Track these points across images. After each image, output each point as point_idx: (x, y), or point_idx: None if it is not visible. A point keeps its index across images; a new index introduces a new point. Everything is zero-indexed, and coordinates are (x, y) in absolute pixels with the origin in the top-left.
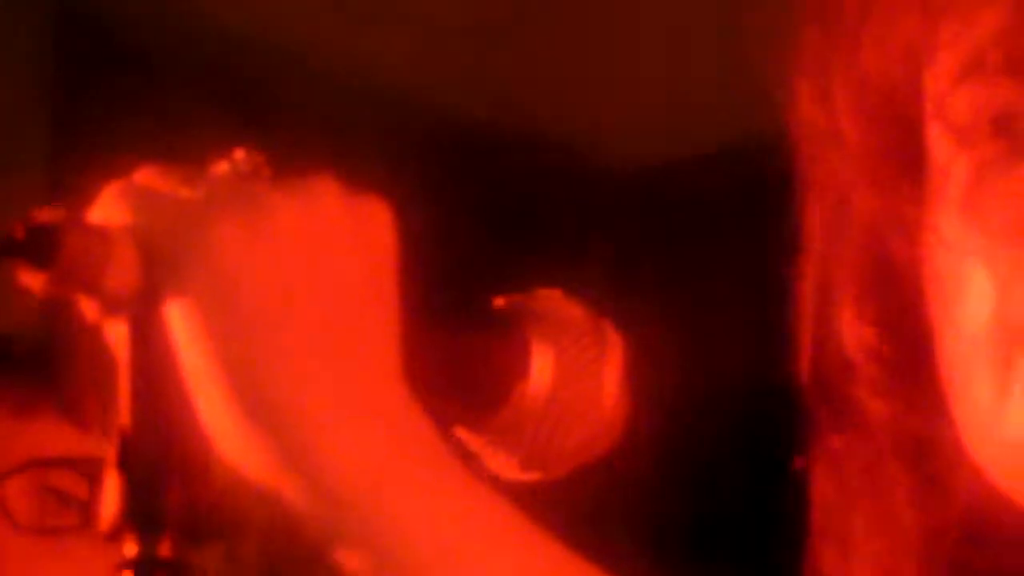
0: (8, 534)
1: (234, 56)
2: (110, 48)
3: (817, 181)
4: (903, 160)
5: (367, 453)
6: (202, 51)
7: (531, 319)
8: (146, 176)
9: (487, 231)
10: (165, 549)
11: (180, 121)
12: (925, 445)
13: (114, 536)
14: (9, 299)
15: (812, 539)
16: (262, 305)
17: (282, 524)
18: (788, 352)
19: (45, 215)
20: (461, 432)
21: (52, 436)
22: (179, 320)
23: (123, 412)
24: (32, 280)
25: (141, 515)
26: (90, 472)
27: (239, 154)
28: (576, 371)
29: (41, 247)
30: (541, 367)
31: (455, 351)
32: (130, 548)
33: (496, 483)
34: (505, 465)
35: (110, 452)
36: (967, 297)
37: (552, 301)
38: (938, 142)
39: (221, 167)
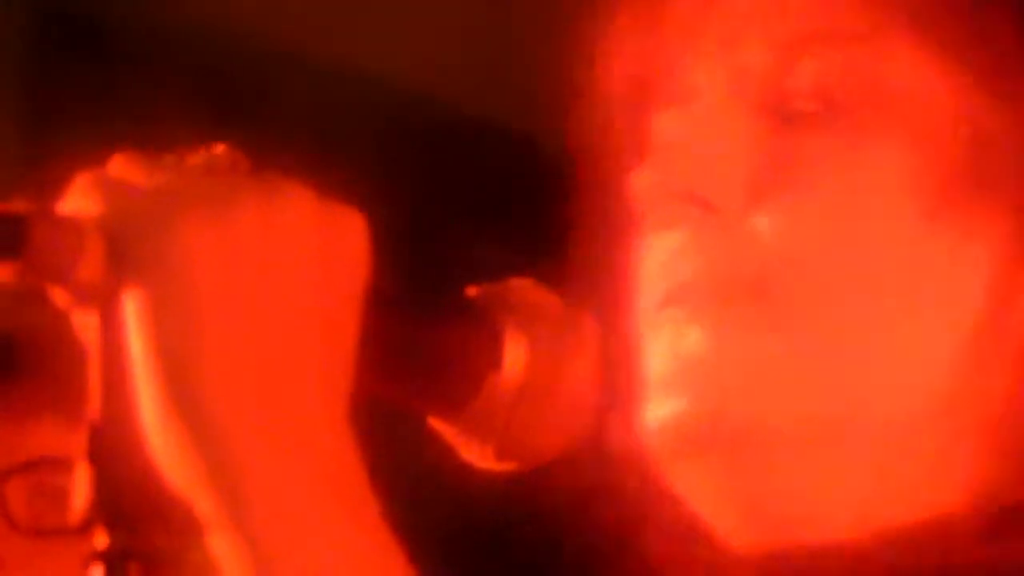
0: (7, 534)
1: (215, 48)
2: (85, 39)
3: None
4: None
5: (282, 484)
6: (182, 42)
7: (504, 309)
8: (117, 167)
9: (461, 221)
10: (136, 541)
11: (156, 113)
12: None
13: (85, 529)
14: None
15: None
16: (214, 306)
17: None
18: None
19: (15, 206)
20: (435, 422)
21: (52, 436)
22: (131, 310)
23: (93, 404)
24: (2, 271)
25: (111, 507)
26: None
27: (218, 149)
28: (550, 361)
29: (11, 238)
30: (514, 357)
31: (429, 341)
32: (101, 540)
33: (473, 472)
34: (480, 455)
35: (80, 444)
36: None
37: (525, 291)
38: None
39: (196, 160)
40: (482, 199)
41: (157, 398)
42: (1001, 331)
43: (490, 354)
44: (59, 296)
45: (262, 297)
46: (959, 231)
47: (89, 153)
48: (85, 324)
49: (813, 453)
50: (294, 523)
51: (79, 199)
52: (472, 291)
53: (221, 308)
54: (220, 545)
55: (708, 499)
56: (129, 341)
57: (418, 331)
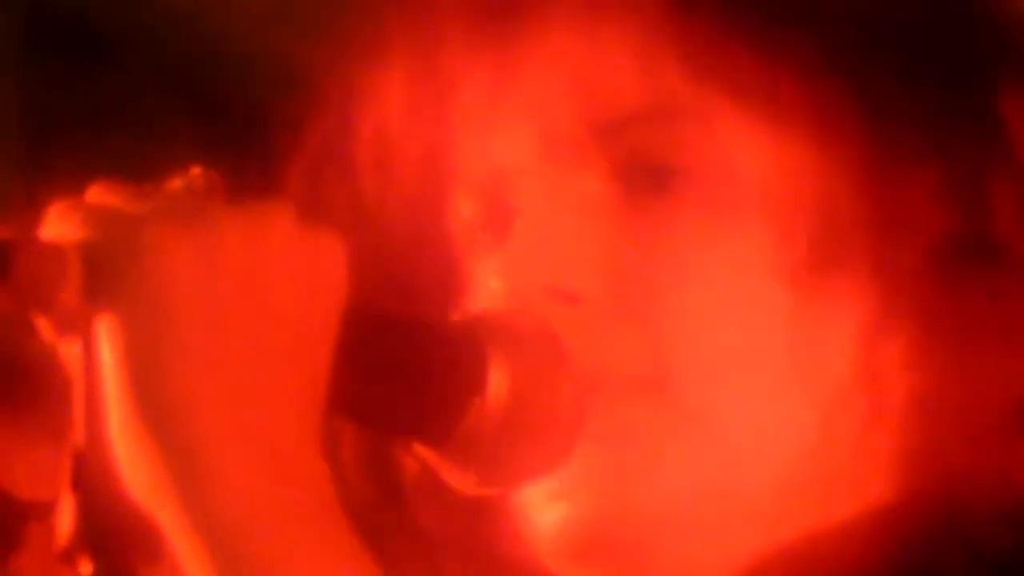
0: None
1: (207, 60)
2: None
3: None
4: None
5: (254, 503)
6: (170, 45)
7: (488, 334)
8: (98, 193)
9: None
10: (120, 568)
11: (146, 128)
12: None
13: (69, 556)
14: None
15: None
16: (191, 330)
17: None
18: None
19: None
20: (418, 447)
21: (36, 465)
22: (108, 334)
23: (77, 432)
24: None
25: (96, 534)
26: None
27: (194, 171)
28: (533, 386)
29: None
30: (498, 382)
31: (413, 367)
32: (85, 567)
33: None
34: (462, 480)
35: (65, 471)
36: None
37: (509, 316)
38: None
39: (175, 184)
40: None
41: (128, 419)
42: (866, 393)
43: (474, 379)
44: (43, 327)
45: (239, 320)
46: (825, 300)
47: (77, 177)
48: (69, 354)
49: (698, 534)
50: (265, 541)
51: (59, 225)
52: (456, 316)
53: (198, 332)
54: (190, 565)
55: None
56: (105, 365)
57: (403, 356)
